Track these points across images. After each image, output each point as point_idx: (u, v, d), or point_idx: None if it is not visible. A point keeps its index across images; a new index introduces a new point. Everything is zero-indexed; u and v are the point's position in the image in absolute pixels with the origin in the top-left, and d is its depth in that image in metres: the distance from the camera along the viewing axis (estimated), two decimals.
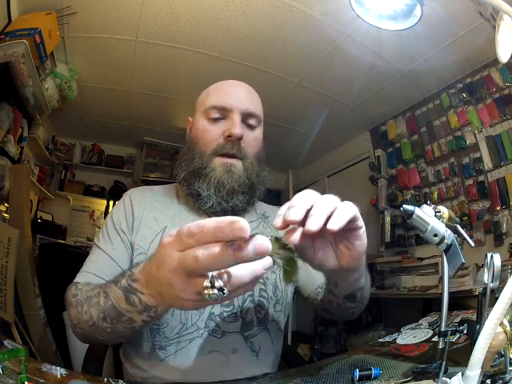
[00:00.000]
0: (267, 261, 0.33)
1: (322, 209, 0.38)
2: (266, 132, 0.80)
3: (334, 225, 0.37)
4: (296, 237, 0.38)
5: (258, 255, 0.32)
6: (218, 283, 0.33)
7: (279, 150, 3.27)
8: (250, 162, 0.72)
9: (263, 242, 0.32)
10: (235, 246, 0.32)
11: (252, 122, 0.74)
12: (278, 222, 0.38)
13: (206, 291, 0.33)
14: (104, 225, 0.75)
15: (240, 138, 0.70)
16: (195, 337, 0.64)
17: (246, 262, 0.32)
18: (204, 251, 0.32)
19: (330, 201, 0.39)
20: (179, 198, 0.78)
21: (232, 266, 0.33)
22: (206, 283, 0.33)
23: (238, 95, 0.74)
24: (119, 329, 0.51)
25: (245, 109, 0.72)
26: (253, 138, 0.74)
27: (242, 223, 0.31)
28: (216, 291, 0.33)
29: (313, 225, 0.36)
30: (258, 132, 0.77)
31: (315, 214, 0.37)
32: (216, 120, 0.72)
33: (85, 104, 2.53)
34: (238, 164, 0.71)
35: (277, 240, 0.38)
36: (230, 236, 0.31)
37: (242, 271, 0.33)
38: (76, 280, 0.66)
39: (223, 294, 0.33)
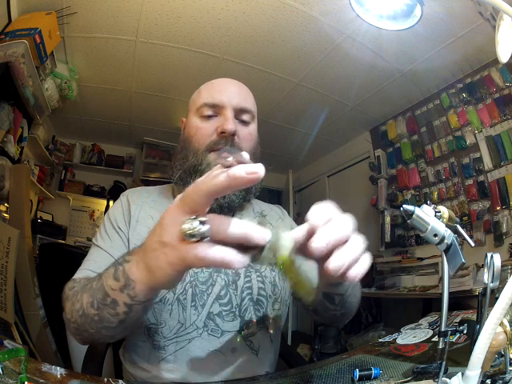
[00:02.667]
0: (261, 233, 0.33)
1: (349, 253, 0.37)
2: (267, 132, 0.80)
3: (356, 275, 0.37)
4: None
5: (248, 174, 0.32)
6: (202, 218, 0.33)
7: (279, 150, 3.27)
8: None
9: (256, 166, 0.32)
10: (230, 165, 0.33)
11: (245, 117, 0.74)
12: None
13: (187, 224, 0.33)
14: (101, 224, 0.75)
15: (233, 134, 0.70)
16: (194, 336, 0.64)
17: (237, 181, 0.32)
18: (217, 174, 0.33)
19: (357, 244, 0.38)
20: (175, 197, 0.78)
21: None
22: (191, 217, 0.33)
23: (230, 92, 0.74)
24: (105, 316, 0.48)
25: (237, 104, 0.72)
26: (247, 133, 0.74)
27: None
28: (197, 223, 0.32)
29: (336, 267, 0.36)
30: (252, 127, 0.76)
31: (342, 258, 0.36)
32: (208, 117, 0.72)
33: (85, 104, 2.53)
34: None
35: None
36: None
37: (229, 222, 0.34)
38: (74, 277, 0.65)
39: (203, 229, 0.32)
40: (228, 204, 0.71)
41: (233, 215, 0.76)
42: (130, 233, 0.70)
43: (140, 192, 0.80)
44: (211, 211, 0.73)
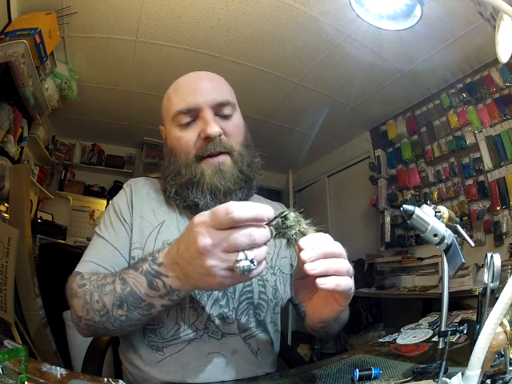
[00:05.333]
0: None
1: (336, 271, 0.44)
2: (267, 132, 0.79)
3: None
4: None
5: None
6: (250, 256, 0.41)
7: (279, 150, 3.27)
8: (238, 154, 0.67)
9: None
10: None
11: (226, 111, 0.68)
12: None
13: (239, 264, 0.40)
14: (106, 214, 0.72)
15: (219, 135, 0.65)
16: (194, 338, 0.63)
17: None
18: (257, 230, 0.41)
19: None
20: (170, 204, 0.75)
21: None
22: (241, 256, 0.40)
23: (201, 88, 0.67)
24: (135, 316, 0.52)
25: (213, 100, 0.66)
26: (233, 127, 0.68)
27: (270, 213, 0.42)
28: (248, 262, 0.40)
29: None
30: (236, 118, 0.70)
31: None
32: (187, 124, 0.67)
33: (85, 104, 2.53)
34: (226, 160, 0.66)
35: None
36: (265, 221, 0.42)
37: (261, 250, 0.42)
38: (77, 270, 0.64)
39: (254, 265, 0.41)
40: None
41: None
42: (133, 226, 0.68)
43: (145, 183, 0.77)
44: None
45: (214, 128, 0.64)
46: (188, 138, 0.67)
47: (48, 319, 1.80)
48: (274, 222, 0.44)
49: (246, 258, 0.40)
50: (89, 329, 0.57)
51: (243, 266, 0.40)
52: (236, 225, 0.40)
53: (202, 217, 0.42)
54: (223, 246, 0.41)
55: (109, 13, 1.73)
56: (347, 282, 0.44)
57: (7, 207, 1.91)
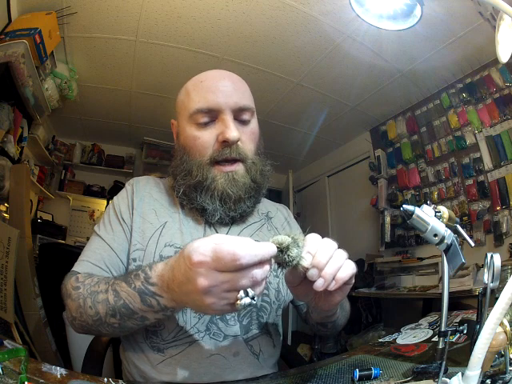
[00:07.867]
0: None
1: (332, 271, 0.45)
2: (267, 132, 0.78)
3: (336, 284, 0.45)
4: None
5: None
6: (251, 293, 0.41)
7: (279, 150, 3.27)
8: (251, 162, 0.67)
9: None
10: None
11: (245, 116, 0.67)
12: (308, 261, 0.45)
13: (240, 301, 0.40)
14: (106, 212, 0.72)
15: (237, 141, 0.64)
16: (195, 340, 0.63)
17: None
18: (260, 271, 0.40)
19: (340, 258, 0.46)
20: (175, 204, 0.74)
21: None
22: (242, 294, 0.40)
23: (224, 90, 0.66)
24: (128, 325, 0.52)
25: (234, 104, 0.65)
26: (250, 134, 0.68)
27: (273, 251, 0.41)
28: (249, 300, 0.40)
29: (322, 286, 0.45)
30: (254, 124, 0.70)
31: (327, 279, 0.45)
32: (205, 124, 0.65)
33: (85, 104, 2.53)
34: (239, 169, 0.66)
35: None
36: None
37: (262, 286, 0.42)
38: (74, 269, 0.64)
39: (254, 300, 0.41)
40: (240, 215, 0.69)
41: (232, 222, 0.72)
42: (134, 226, 0.68)
43: (147, 182, 0.76)
44: (222, 223, 0.70)
45: (233, 133, 0.63)
46: (205, 138, 0.65)
47: (48, 319, 1.80)
48: (279, 258, 0.44)
49: (247, 295, 0.40)
50: (82, 329, 0.58)
51: (244, 303, 0.40)
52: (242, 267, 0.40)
53: (202, 256, 0.40)
54: (224, 287, 0.40)
55: (109, 13, 1.73)
56: (349, 267, 0.46)
57: (7, 207, 1.91)
